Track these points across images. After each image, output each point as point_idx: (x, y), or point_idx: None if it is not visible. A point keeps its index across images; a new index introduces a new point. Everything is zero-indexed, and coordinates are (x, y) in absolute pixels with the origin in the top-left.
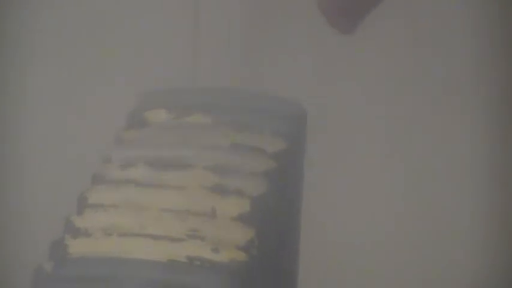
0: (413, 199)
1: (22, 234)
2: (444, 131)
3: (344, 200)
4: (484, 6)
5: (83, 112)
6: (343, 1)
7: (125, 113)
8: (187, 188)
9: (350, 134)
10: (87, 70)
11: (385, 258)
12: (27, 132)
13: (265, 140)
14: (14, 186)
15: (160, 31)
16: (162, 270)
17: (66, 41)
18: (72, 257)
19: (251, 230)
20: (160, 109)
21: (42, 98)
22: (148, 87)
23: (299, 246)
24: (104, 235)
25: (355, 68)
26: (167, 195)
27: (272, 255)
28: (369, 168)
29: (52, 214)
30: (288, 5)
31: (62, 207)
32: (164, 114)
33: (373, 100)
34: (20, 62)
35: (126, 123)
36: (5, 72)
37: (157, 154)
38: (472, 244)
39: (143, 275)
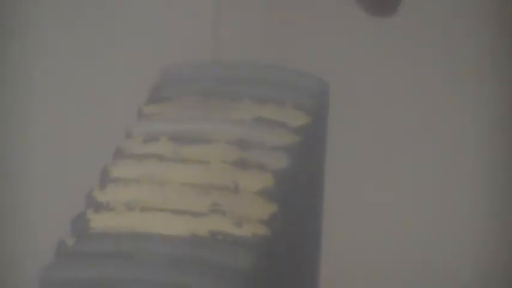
0: (413, 199)
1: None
2: (445, 132)
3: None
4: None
5: (100, 88)
6: None
7: (144, 89)
8: (210, 162)
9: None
10: (101, 48)
11: (385, 257)
12: (39, 117)
13: (287, 114)
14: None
15: (180, 5)
16: (184, 245)
17: (78, 16)
18: (94, 231)
19: (274, 204)
20: (182, 84)
21: (53, 80)
22: (168, 62)
23: (322, 220)
24: (126, 209)
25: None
26: (189, 169)
27: (295, 230)
28: (368, 167)
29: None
30: None
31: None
32: (186, 88)
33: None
34: (32, 45)
35: (147, 97)
36: (17, 54)
37: (179, 128)
38: (472, 243)
39: (165, 250)
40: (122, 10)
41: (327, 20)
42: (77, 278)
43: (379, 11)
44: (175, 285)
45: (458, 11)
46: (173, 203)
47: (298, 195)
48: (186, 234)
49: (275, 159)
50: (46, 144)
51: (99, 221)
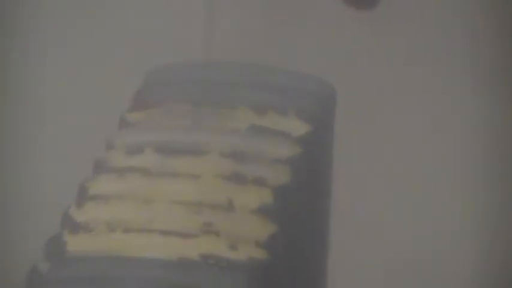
0: (414, 199)
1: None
2: (446, 132)
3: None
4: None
5: (90, 91)
6: None
7: (131, 93)
8: (201, 176)
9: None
10: (101, 48)
11: (385, 257)
12: (29, 125)
13: (289, 122)
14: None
15: (178, 5)
16: (171, 270)
17: (78, 16)
18: (70, 255)
19: (273, 225)
20: (169, 88)
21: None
22: (156, 64)
23: (328, 242)
24: (106, 230)
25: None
26: (178, 185)
27: (297, 253)
28: (371, 167)
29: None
30: None
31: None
32: (174, 94)
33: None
34: (32, 45)
35: (131, 103)
36: (17, 54)
37: (167, 139)
38: (472, 243)
39: (151, 276)
40: (122, 10)
41: (326, 20)
42: None
43: (360, 4)
44: None
45: (458, 11)
46: (160, 223)
47: (302, 214)
48: (174, 258)
49: (275, 173)
50: (45, 144)
51: (76, 244)
